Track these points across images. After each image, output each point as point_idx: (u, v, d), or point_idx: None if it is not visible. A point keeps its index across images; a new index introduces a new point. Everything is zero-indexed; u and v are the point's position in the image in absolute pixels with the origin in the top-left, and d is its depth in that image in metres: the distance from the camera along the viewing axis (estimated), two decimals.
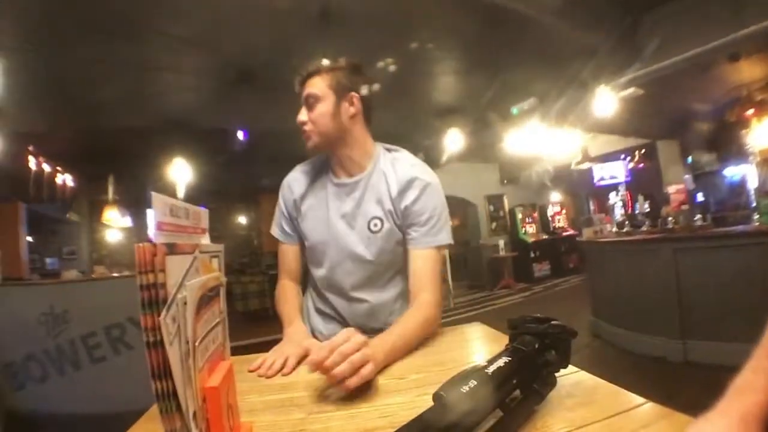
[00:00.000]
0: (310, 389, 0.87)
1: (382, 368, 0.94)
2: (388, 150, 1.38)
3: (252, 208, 9.99)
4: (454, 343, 1.16)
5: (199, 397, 0.51)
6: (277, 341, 1.19)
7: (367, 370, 0.83)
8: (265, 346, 1.13)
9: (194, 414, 0.48)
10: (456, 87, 5.41)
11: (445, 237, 1.28)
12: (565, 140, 7.50)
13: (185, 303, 0.47)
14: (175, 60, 3.77)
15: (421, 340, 1.11)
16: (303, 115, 1.30)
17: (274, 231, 1.50)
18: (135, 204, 8.22)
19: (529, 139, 6.65)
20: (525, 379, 0.63)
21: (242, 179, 8.09)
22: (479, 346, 1.18)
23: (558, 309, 6.82)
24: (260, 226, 9.97)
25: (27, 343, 3.90)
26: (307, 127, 1.29)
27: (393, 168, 1.31)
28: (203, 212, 0.63)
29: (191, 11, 3.08)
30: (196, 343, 0.49)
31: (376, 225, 1.30)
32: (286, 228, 1.46)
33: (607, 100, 5.04)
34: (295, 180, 1.44)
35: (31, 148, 5.53)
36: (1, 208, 7.26)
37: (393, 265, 1.34)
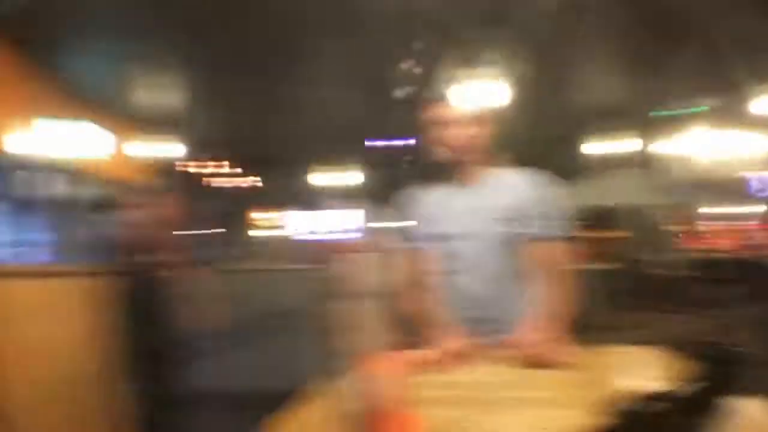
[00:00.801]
0: (474, 390, 0.89)
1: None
2: (506, 164, 1.54)
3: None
4: (628, 365, 1.10)
5: (372, 384, 0.55)
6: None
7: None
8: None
9: (367, 395, 0.53)
10: (620, 89, 5.03)
11: (563, 229, 1.38)
12: (753, 143, 6.46)
13: (370, 296, 0.52)
14: (323, 71, 4.06)
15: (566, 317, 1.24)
16: (457, 131, 1.46)
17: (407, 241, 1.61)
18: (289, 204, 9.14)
19: (709, 142, 5.90)
20: (700, 405, 0.60)
21: (407, 185, 8.45)
22: (657, 370, 1.09)
23: (742, 338, 5.93)
24: None
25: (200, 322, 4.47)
26: (463, 142, 1.45)
27: (511, 172, 1.48)
28: (391, 215, 0.68)
29: (360, 34, 3.30)
30: (380, 331, 0.55)
31: (501, 223, 1.39)
32: (417, 236, 1.54)
33: None
34: (421, 198, 1.55)
35: (210, 155, 6.40)
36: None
37: (513, 267, 1.39)
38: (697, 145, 5.98)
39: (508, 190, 1.43)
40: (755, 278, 8.86)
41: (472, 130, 1.45)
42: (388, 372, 0.60)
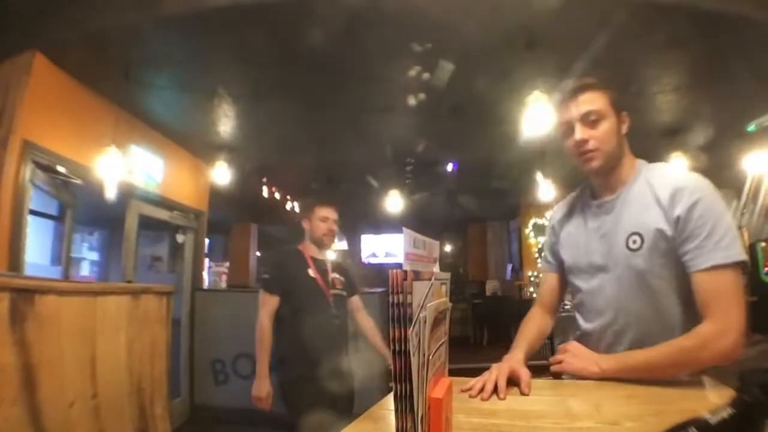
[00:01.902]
0: (517, 418, 0.90)
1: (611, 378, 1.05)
2: (650, 163, 1.28)
3: (459, 237, 10.38)
4: (676, 394, 1.06)
5: (425, 405, 0.58)
6: (469, 370, 1.22)
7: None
8: (459, 373, 1.13)
9: (422, 418, 0.56)
10: (678, 105, 4.88)
11: (738, 252, 1.06)
12: None
13: (425, 321, 0.55)
14: (390, 100, 4.15)
15: (672, 369, 1.06)
16: (583, 133, 1.22)
17: (542, 260, 1.53)
18: (351, 230, 9.30)
19: None
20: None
21: (450, 209, 8.45)
22: (703, 398, 1.06)
23: None
24: (466, 254, 10.24)
25: (242, 342, 4.56)
26: (591, 145, 1.22)
27: (661, 175, 1.19)
28: (435, 244, 0.72)
29: (407, 56, 3.37)
30: (430, 357, 0.58)
31: (635, 242, 1.16)
32: (548, 256, 1.46)
33: None
34: (557, 209, 1.45)
35: (265, 179, 6.59)
36: (236, 228, 8.95)
37: (662, 293, 1.15)
38: None
39: (644, 203, 1.17)
40: None
41: (599, 126, 1.22)
42: (442, 396, 0.63)
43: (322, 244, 2.77)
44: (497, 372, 1.09)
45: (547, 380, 1.15)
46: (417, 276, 0.55)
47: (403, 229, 0.58)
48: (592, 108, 1.21)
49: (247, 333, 4.66)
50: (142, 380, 2.76)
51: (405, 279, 0.53)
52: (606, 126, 1.21)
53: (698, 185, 1.11)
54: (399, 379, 0.53)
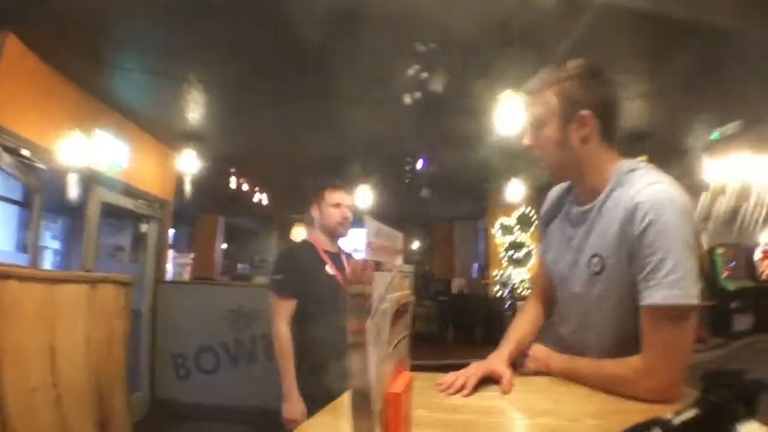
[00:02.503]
0: (478, 414, 0.89)
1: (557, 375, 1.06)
2: (630, 168, 1.10)
3: (426, 235, 10.42)
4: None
5: (383, 400, 0.56)
6: (432, 367, 1.20)
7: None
8: (424, 370, 1.12)
9: (379, 413, 0.54)
10: (644, 112, 5.00)
11: (683, 293, 0.92)
12: None
13: (385, 314, 0.53)
14: (365, 89, 4.11)
15: (601, 387, 1.00)
16: (527, 139, 1.16)
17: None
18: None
19: (735, 168, 5.86)
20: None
21: (418, 206, 8.46)
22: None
23: (761, 369, 5.78)
24: (433, 252, 10.30)
25: (205, 336, 4.49)
26: (535, 153, 1.16)
27: (629, 187, 1.04)
28: (399, 235, 0.70)
29: (381, 48, 3.34)
30: (390, 350, 0.56)
31: (596, 265, 1.08)
32: (542, 243, 1.37)
33: None
34: (547, 200, 1.34)
35: (232, 169, 6.46)
36: (202, 219, 8.78)
37: (622, 318, 1.05)
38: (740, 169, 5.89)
39: (614, 220, 1.04)
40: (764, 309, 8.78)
41: (541, 133, 1.12)
42: (401, 392, 0.61)
43: (335, 234, 2.47)
44: (472, 371, 1.06)
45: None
46: (378, 266, 0.53)
47: (365, 217, 0.56)
48: (533, 113, 1.12)
49: (209, 326, 4.61)
50: (101, 372, 2.69)
51: (365, 269, 0.51)
52: (547, 133, 1.10)
53: (657, 202, 0.97)
54: (357, 373, 0.51)
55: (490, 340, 1.29)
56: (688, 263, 0.94)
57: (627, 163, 1.11)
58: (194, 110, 4.60)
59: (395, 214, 8.43)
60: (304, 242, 2.56)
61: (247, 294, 4.91)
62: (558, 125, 1.08)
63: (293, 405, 2.15)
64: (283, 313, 2.23)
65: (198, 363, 4.56)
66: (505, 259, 8.09)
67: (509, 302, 7.34)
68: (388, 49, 3.40)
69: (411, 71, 3.52)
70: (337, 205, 2.43)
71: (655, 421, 0.54)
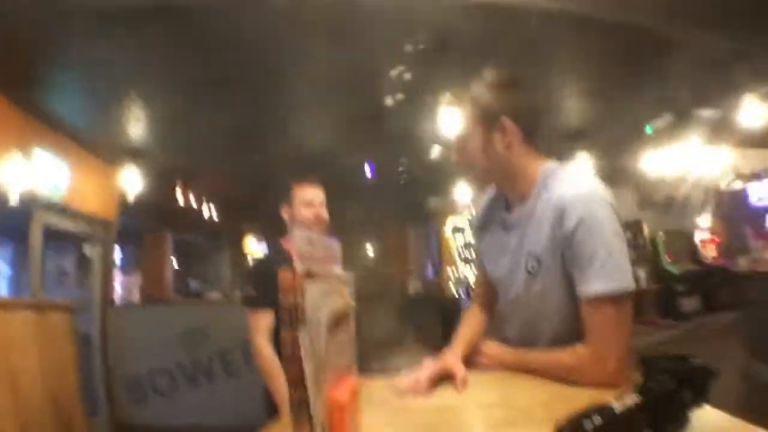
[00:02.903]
0: (430, 415, 0.90)
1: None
2: (555, 169, 1.15)
3: (379, 238, 10.43)
4: None
5: (326, 410, 0.55)
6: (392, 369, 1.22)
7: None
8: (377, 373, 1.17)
9: (322, 425, 0.53)
10: (585, 109, 5.20)
11: (619, 279, 0.98)
12: (713, 157, 6.83)
13: (320, 323, 0.52)
14: (311, 98, 4.09)
15: (552, 377, 1.02)
16: (453, 152, 1.22)
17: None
18: (269, 234, 9.03)
19: (670, 159, 6.19)
20: (657, 420, 0.59)
21: (370, 211, 8.44)
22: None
23: (707, 348, 6.10)
24: (386, 255, 10.31)
25: (158, 358, 4.35)
26: (461, 165, 1.19)
27: (557, 187, 1.08)
28: (335, 244, 0.70)
29: (324, 52, 3.33)
30: (328, 359, 0.55)
31: (533, 267, 1.10)
32: (479, 251, 1.39)
33: (758, 109, 4.52)
34: (479, 209, 1.36)
35: (178, 183, 6.26)
36: (149, 238, 8.42)
37: (564, 317, 1.09)
38: (674, 160, 6.20)
39: (545, 221, 1.08)
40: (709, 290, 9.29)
41: (466, 144, 1.16)
42: (345, 399, 0.60)
43: None
44: (426, 370, 1.07)
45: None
46: (310, 275, 0.53)
47: (296, 229, 0.55)
48: (457, 126, 1.16)
49: (163, 348, 4.45)
50: (58, 398, 2.63)
51: (295, 279, 0.50)
52: (470, 145, 1.15)
53: (585, 200, 1.02)
54: (293, 384, 0.50)
55: (448, 340, 1.29)
56: (619, 251, 1.00)
57: (551, 165, 1.16)
58: (135, 125, 4.45)
59: (348, 219, 8.42)
60: (278, 248, 2.33)
61: (200, 312, 4.79)
62: (482, 135, 1.13)
63: None
64: (261, 327, 1.99)
65: (154, 386, 4.39)
66: (459, 259, 8.21)
67: (465, 302, 7.43)
68: (334, 54, 3.38)
69: (394, 72, 3.53)
70: (310, 203, 2.19)
71: (597, 409, 0.55)
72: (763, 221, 8.39)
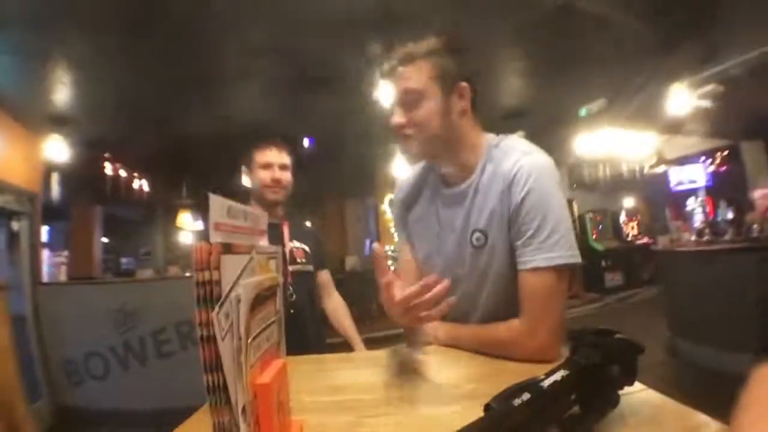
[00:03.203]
0: (362, 392, 0.89)
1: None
2: (498, 141, 1.12)
3: (317, 213, 10.28)
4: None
5: (250, 393, 0.52)
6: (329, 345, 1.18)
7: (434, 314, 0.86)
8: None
9: (243, 409, 0.50)
10: (522, 89, 5.30)
11: (561, 254, 0.97)
12: (639, 142, 7.22)
13: (239, 301, 0.49)
14: (244, 67, 3.92)
15: (487, 351, 1.01)
16: (399, 116, 1.08)
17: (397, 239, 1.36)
18: (207, 208, 8.68)
19: (600, 142, 6.46)
20: (585, 395, 0.59)
21: (308, 185, 8.31)
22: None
23: (630, 322, 6.52)
24: (325, 230, 10.21)
25: (91, 340, 4.15)
26: (408, 131, 1.08)
27: (503, 158, 1.06)
28: (261, 215, 0.65)
29: (258, 20, 3.19)
30: (249, 340, 0.51)
31: (479, 239, 1.08)
32: (401, 238, 1.32)
33: (684, 98, 4.77)
34: (404, 186, 1.30)
35: (107, 154, 5.92)
36: (78, 212, 7.88)
37: (506, 294, 1.07)
38: (604, 143, 6.45)
39: (491, 193, 1.06)
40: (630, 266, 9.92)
41: (419, 107, 1.05)
42: (271, 381, 0.57)
43: (265, 201, 2.06)
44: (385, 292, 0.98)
45: (390, 349, 1.15)
46: (228, 249, 0.49)
47: (210, 196, 0.50)
48: (408, 86, 1.05)
49: (95, 329, 4.21)
50: None
51: (210, 253, 0.46)
52: (427, 106, 1.05)
53: (533, 170, 1.01)
54: (208, 368, 0.46)
55: (385, 314, 1.25)
56: (565, 225, 1.00)
57: (493, 137, 1.14)
58: (61, 91, 4.12)
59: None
60: None
61: (132, 290, 4.55)
62: (440, 97, 1.05)
63: None
64: None
65: (88, 369, 4.17)
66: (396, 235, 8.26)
67: None
68: (270, 21, 3.25)
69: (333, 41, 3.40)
70: (267, 166, 2.08)
71: (526, 385, 0.54)
72: (683, 203, 9.01)
